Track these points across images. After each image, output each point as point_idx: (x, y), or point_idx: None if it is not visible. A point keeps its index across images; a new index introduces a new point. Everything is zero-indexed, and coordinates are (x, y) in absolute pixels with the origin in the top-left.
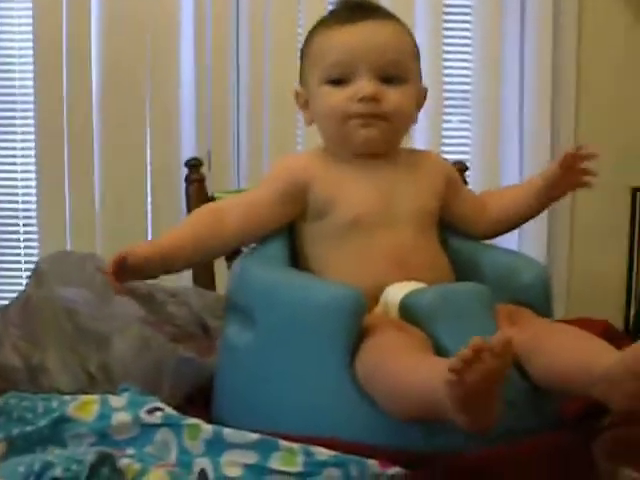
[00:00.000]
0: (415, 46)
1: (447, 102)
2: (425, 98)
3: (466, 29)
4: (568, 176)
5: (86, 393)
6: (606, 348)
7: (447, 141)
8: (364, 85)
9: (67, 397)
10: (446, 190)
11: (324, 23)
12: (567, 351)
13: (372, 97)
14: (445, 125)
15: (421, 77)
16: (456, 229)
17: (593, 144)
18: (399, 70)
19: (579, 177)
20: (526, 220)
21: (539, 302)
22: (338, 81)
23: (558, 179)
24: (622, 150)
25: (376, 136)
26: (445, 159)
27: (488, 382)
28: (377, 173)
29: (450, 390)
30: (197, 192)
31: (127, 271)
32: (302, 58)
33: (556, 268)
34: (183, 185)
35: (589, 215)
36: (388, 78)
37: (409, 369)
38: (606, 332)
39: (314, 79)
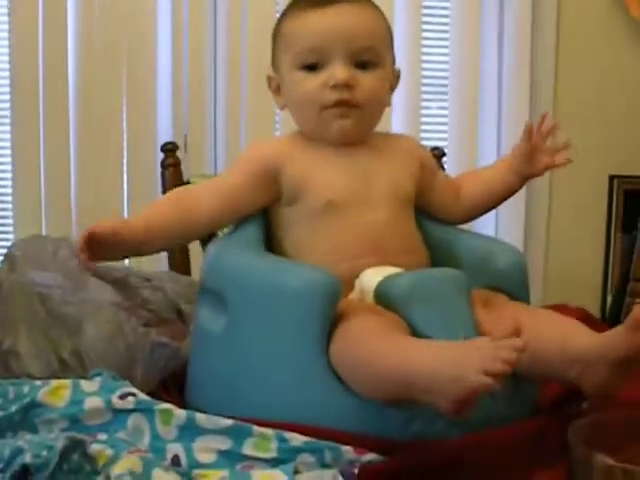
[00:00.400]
0: (389, 29)
1: (425, 88)
2: (399, 80)
3: (445, 15)
4: (538, 153)
5: (58, 378)
6: (582, 329)
7: (425, 127)
8: (337, 71)
9: (38, 382)
10: (421, 174)
11: (297, 5)
12: (543, 333)
13: (345, 83)
14: (424, 111)
15: (394, 59)
16: (432, 214)
17: (568, 136)
18: (373, 55)
19: (549, 156)
20: (503, 199)
21: (515, 288)
22: (311, 66)
23: (527, 155)
24: (600, 138)
25: (351, 127)
26: (421, 144)
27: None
28: (352, 157)
29: (453, 390)
30: (172, 177)
31: (95, 246)
32: (274, 41)
33: (533, 255)
34: (159, 169)
35: (567, 202)
36: (362, 63)
37: (388, 350)
38: (582, 319)
39: (286, 64)
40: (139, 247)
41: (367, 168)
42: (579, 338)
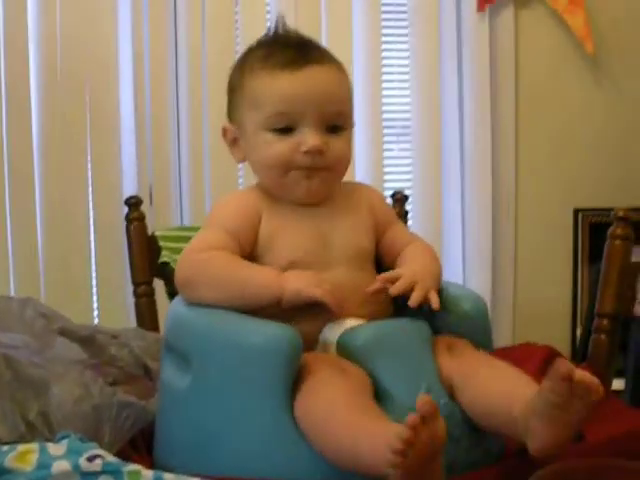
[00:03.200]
0: (351, 91)
1: (387, 131)
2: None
3: (405, 57)
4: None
5: (25, 441)
6: (528, 388)
7: (388, 169)
8: (309, 137)
9: (5, 447)
10: (378, 224)
11: (262, 62)
12: (493, 390)
13: (318, 150)
14: (386, 154)
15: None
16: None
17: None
18: (342, 119)
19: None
20: None
21: (477, 333)
22: (280, 130)
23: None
24: (563, 172)
25: (318, 188)
26: (375, 190)
27: (432, 449)
28: (313, 217)
29: (392, 467)
30: (137, 230)
31: None
32: (233, 94)
33: (502, 291)
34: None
35: (532, 237)
36: (332, 127)
37: (348, 430)
38: (549, 357)
39: (252, 123)
40: None
41: (327, 229)
42: (523, 397)
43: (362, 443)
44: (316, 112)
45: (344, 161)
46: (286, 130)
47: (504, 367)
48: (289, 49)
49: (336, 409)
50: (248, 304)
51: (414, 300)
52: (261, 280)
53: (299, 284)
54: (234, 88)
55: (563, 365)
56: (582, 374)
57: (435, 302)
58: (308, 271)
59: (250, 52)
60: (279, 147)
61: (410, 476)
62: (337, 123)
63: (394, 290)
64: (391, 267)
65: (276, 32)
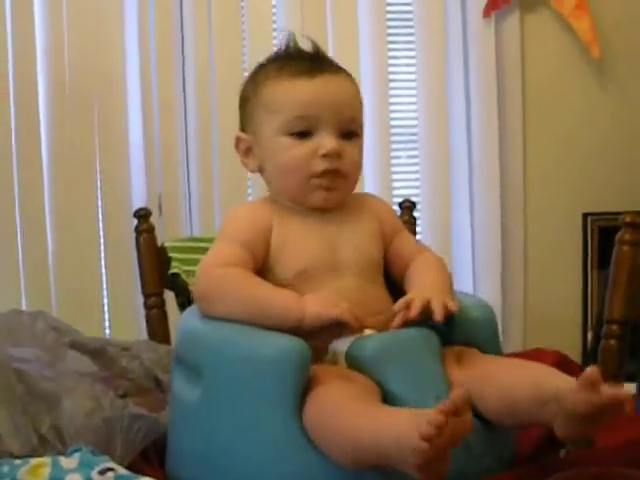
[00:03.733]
0: (362, 99)
1: (395, 138)
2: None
3: (411, 64)
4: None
5: (38, 454)
6: (555, 371)
7: (396, 177)
8: (327, 141)
9: (18, 461)
10: (386, 233)
11: (277, 72)
12: (514, 378)
13: (336, 153)
14: (394, 161)
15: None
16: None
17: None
18: (356, 125)
19: None
20: None
21: (486, 341)
22: (299, 134)
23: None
24: (572, 176)
25: (334, 197)
26: (382, 200)
27: (454, 442)
28: (324, 225)
29: (417, 454)
30: (147, 242)
31: None
32: (246, 105)
33: (512, 296)
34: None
35: (542, 241)
36: (346, 133)
37: (358, 423)
38: (559, 362)
39: (269, 128)
40: None
41: (336, 238)
42: (553, 377)
43: (384, 433)
44: (333, 117)
45: (358, 168)
46: (304, 134)
47: (519, 361)
48: (304, 60)
49: (344, 407)
50: (267, 325)
51: (438, 315)
52: (282, 304)
53: (318, 307)
54: (248, 98)
55: (595, 379)
56: (614, 392)
57: (453, 306)
58: (324, 292)
59: (262, 66)
60: (297, 151)
61: (430, 465)
62: (351, 129)
63: (412, 315)
64: (398, 278)
65: (287, 47)
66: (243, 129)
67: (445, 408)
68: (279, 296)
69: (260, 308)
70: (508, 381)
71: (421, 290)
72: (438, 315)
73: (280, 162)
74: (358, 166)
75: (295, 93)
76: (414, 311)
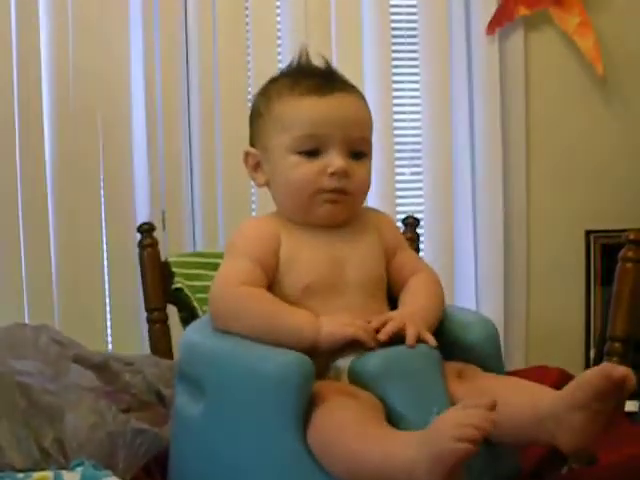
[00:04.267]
0: (372, 118)
1: (399, 155)
2: None
3: (415, 81)
4: None
5: (41, 469)
6: (549, 390)
7: (400, 193)
8: (336, 160)
9: (20, 475)
10: (386, 248)
11: (288, 89)
12: (513, 399)
13: (344, 173)
14: (398, 177)
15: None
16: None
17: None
18: (365, 145)
19: None
20: None
21: (488, 359)
22: (308, 152)
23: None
24: (576, 193)
25: (341, 213)
26: (385, 215)
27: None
28: (328, 242)
29: (435, 467)
30: (150, 257)
31: None
32: (257, 120)
33: (515, 313)
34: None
35: (545, 260)
36: (355, 153)
37: (365, 444)
38: (562, 380)
39: (279, 145)
40: None
41: (342, 254)
42: (547, 395)
43: (394, 457)
44: (342, 136)
45: (365, 188)
46: (313, 153)
47: (517, 380)
48: (315, 77)
49: (350, 426)
50: (283, 344)
51: (409, 339)
52: (297, 324)
53: (332, 326)
54: (260, 114)
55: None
56: (622, 369)
57: (430, 340)
58: (341, 314)
59: (275, 81)
60: (306, 169)
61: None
62: (360, 149)
63: (382, 336)
64: (396, 294)
65: (299, 62)
66: (252, 144)
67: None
68: (295, 316)
69: (275, 327)
70: (506, 400)
71: (400, 315)
72: (409, 341)
73: (289, 179)
74: (366, 186)
75: (305, 111)
76: (383, 336)
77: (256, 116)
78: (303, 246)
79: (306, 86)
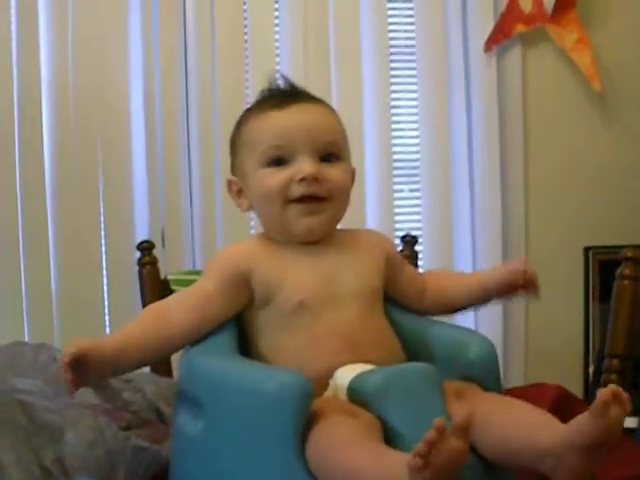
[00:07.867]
0: (343, 126)
1: (397, 172)
2: (354, 179)
3: (413, 98)
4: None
5: None
6: (549, 421)
7: (399, 210)
8: (305, 165)
9: None
10: (387, 268)
11: (253, 113)
12: (512, 426)
13: (313, 177)
14: (396, 195)
15: (350, 157)
16: (399, 305)
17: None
18: (336, 148)
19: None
20: (463, 307)
21: (487, 377)
22: (277, 162)
23: (506, 285)
24: (574, 210)
25: (317, 225)
26: (386, 236)
27: (453, 464)
28: (318, 256)
29: (415, 476)
30: (149, 275)
31: (80, 368)
32: (233, 149)
33: (513, 330)
34: (137, 267)
35: (543, 276)
36: (327, 156)
37: (362, 463)
38: (561, 398)
39: (251, 164)
40: (118, 365)
41: (335, 267)
42: (546, 431)
43: (389, 476)
44: (309, 142)
45: (342, 189)
46: (281, 162)
47: (518, 404)
48: (277, 96)
49: (348, 445)
50: None
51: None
52: None
53: None
54: (233, 143)
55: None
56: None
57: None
58: None
59: (246, 111)
60: (275, 178)
61: None
62: (331, 152)
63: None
64: (415, 301)
65: (268, 88)
66: (233, 172)
67: (437, 424)
68: None
69: None
70: (504, 426)
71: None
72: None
73: (260, 191)
74: (342, 188)
75: (268, 125)
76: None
77: (231, 146)
78: (291, 264)
79: (268, 105)
